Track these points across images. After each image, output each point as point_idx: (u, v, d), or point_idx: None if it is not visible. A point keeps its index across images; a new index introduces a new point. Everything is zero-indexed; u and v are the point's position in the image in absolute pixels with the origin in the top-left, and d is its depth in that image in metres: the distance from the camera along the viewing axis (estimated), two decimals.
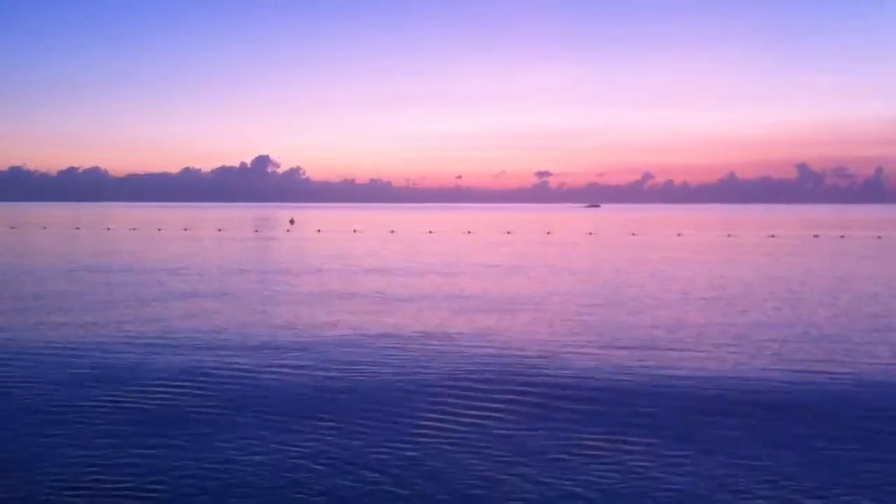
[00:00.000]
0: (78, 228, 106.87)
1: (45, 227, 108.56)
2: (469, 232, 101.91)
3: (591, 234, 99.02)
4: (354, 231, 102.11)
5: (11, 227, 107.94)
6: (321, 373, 17.86)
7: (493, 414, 14.63)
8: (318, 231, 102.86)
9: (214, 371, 17.82)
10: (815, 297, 32.46)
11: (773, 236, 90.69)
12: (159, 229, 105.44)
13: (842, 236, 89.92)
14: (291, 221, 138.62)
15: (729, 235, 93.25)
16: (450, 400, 15.46)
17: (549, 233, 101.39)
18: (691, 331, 23.77)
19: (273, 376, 17.49)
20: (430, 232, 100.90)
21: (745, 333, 23.33)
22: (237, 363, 18.66)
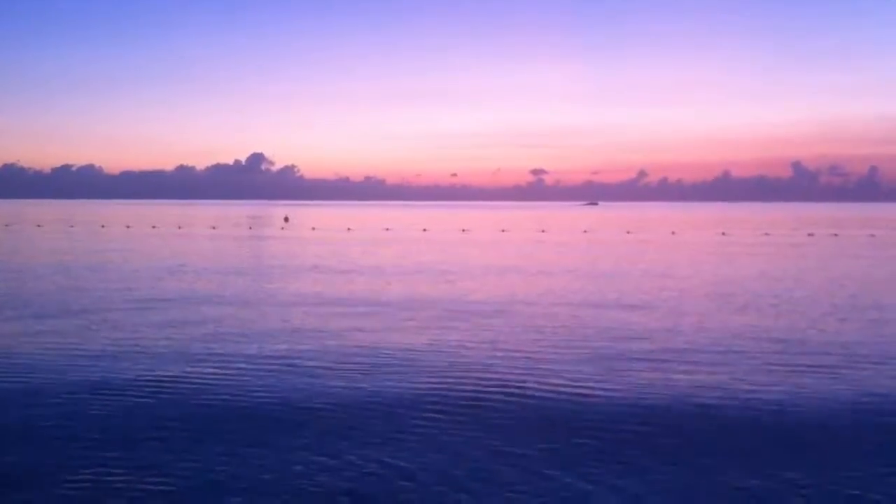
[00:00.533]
0: (73, 226, 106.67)
1: (39, 225, 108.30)
2: (464, 230, 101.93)
3: (585, 231, 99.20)
4: (349, 229, 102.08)
5: (6, 225, 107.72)
6: (314, 381, 17.87)
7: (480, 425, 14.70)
8: (313, 229, 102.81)
9: (211, 378, 17.69)
10: (808, 294, 32.56)
11: (767, 234, 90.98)
12: (154, 227, 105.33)
13: (836, 235, 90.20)
14: (286, 219, 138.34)
15: (723, 234, 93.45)
16: (431, 411, 15.10)
17: (543, 231, 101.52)
18: (685, 332, 23.85)
19: (268, 382, 17.52)
20: (425, 230, 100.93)
21: (739, 335, 23.40)
22: (234, 369, 18.51)
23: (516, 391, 16.00)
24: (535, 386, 16.41)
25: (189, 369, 17.77)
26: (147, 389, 16.01)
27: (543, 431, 13.49)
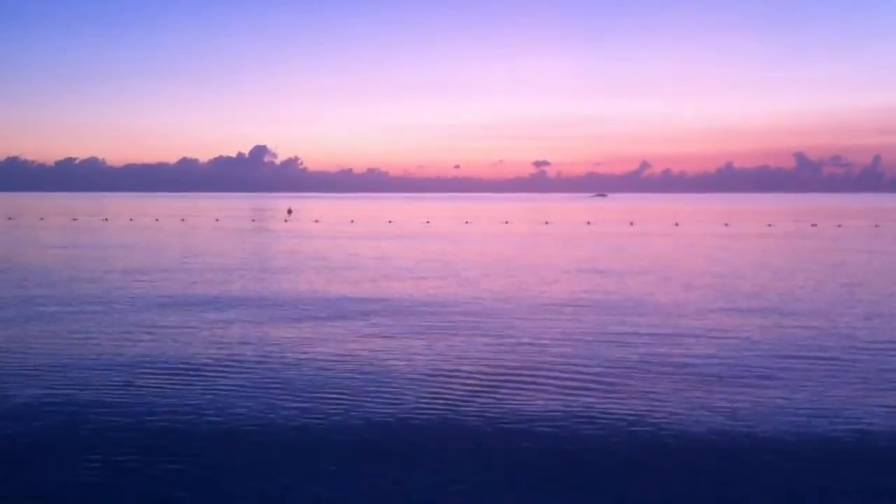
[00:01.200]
0: (75, 219, 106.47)
1: (42, 218, 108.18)
2: (467, 222, 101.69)
3: (588, 223, 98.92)
4: (352, 222, 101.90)
5: (9, 218, 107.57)
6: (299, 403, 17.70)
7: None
8: (316, 221, 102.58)
9: (208, 390, 17.45)
10: (813, 285, 32.36)
11: (770, 226, 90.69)
12: (157, 219, 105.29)
13: (839, 225, 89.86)
14: (289, 211, 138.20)
15: (726, 225, 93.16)
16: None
17: (547, 223, 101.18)
18: (699, 336, 23.67)
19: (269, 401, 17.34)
20: (428, 222, 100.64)
21: (741, 339, 23.23)
22: (231, 383, 18.18)
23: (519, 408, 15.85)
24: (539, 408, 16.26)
25: (189, 379, 17.66)
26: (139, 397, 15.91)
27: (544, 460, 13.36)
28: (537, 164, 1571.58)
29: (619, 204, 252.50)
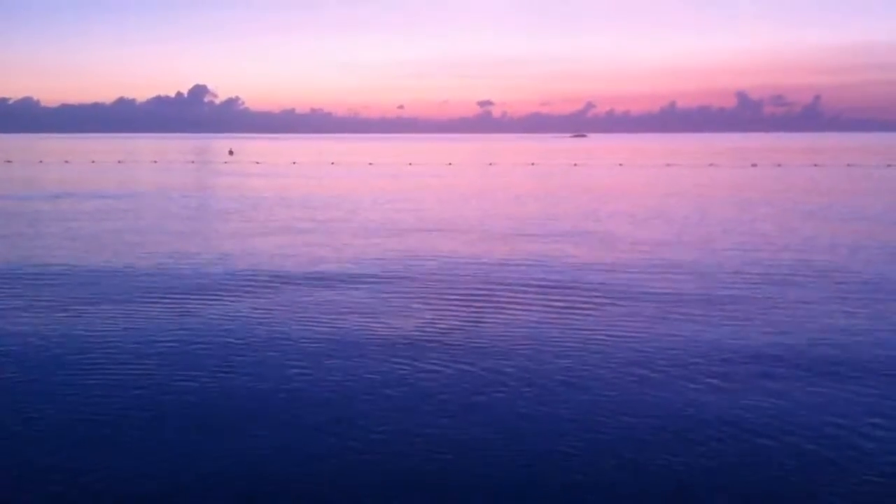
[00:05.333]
0: (10, 162, 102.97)
1: None
2: (410, 164, 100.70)
3: (533, 164, 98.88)
4: (294, 163, 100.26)
5: None
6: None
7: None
8: (257, 163, 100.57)
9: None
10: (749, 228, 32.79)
11: (712, 165, 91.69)
12: (93, 161, 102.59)
13: (779, 165, 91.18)
14: (230, 152, 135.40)
15: (668, 165, 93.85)
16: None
17: (491, 164, 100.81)
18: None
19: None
20: (371, 164, 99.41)
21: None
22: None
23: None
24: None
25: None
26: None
27: None
28: (482, 103, 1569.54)
29: (559, 145, 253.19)
